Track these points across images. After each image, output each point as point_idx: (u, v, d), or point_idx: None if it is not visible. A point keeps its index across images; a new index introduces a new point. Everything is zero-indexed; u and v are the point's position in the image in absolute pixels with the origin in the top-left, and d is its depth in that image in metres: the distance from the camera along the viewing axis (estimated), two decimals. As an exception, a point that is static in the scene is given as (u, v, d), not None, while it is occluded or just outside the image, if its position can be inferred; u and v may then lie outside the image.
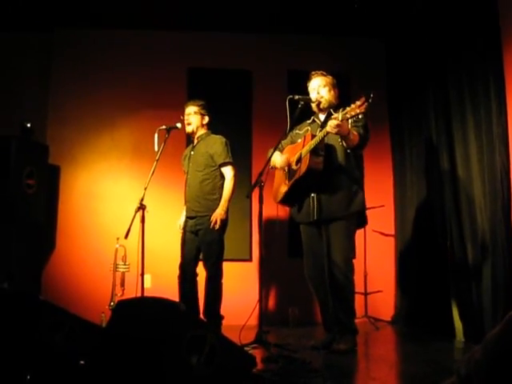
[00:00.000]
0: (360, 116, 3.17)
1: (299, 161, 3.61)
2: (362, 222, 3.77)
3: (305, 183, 3.58)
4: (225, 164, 4.23)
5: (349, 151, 3.54)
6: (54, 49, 5.50)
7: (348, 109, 3.17)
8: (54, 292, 4.86)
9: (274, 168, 3.88)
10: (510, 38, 3.64)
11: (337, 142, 3.53)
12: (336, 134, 3.31)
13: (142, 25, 5.44)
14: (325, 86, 3.72)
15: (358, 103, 3.11)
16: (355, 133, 3.42)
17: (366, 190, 5.20)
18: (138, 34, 5.54)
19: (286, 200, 3.82)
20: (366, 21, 5.27)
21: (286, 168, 3.75)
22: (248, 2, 4.98)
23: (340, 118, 3.19)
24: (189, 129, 4.33)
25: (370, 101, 3.08)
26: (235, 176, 4.23)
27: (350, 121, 3.27)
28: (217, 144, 4.26)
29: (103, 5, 5.01)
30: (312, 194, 3.63)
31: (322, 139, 3.43)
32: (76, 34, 5.49)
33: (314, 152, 3.48)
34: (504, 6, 3.70)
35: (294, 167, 3.66)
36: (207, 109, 4.37)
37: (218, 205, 4.13)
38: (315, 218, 3.61)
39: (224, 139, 4.30)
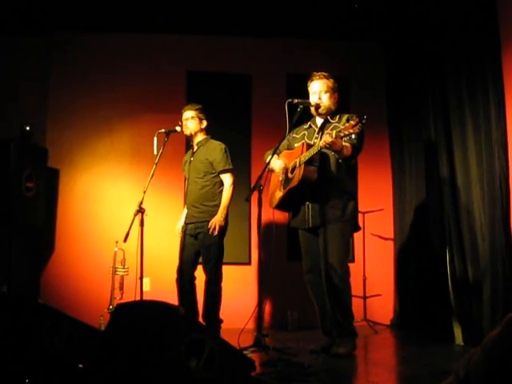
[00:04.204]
0: (353, 135, 3.24)
1: (294, 169, 3.66)
2: (355, 227, 3.81)
3: (299, 191, 3.63)
4: (224, 171, 4.23)
5: (340, 161, 3.59)
6: (53, 52, 5.49)
7: (342, 127, 3.26)
8: (52, 295, 4.86)
9: (272, 171, 3.90)
10: (509, 42, 3.65)
11: (330, 152, 3.57)
12: (328, 149, 3.41)
13: (141, 28, 5.44)
14: (326, 92, 3.72)
15: (352, 123, 3.20)
16: (348, 145, 3.48)
17: (365, 194, 5.20)
18: (137, 38, 5.54)
19: (282, 206, 3.87)
20: (365, 24, 5.28)
21: (283, 175, 3.78)
22: (247, 5, 4.99)
23: (334, 136, 3.26)
24: (187, 131, 4.33)
25: (364, 122, 3.18)
26: (234, 183, 4.24)
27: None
28: (216, 151, 4.26)
29: (102, 8, 5.01)
30: (307, 202, 3.68)
31: (317, 152, 3.48)
32: (75, 38, 5.49)
33: (308, 162, 3.54)
34: (503, 10, 3.70)
35: (290, 175, 3.71)
36: (205, 113, 4.36)
37: (218, 211, 4.14)
38: (310, 225, 3.68)
39: (223, 146, 4.30)
